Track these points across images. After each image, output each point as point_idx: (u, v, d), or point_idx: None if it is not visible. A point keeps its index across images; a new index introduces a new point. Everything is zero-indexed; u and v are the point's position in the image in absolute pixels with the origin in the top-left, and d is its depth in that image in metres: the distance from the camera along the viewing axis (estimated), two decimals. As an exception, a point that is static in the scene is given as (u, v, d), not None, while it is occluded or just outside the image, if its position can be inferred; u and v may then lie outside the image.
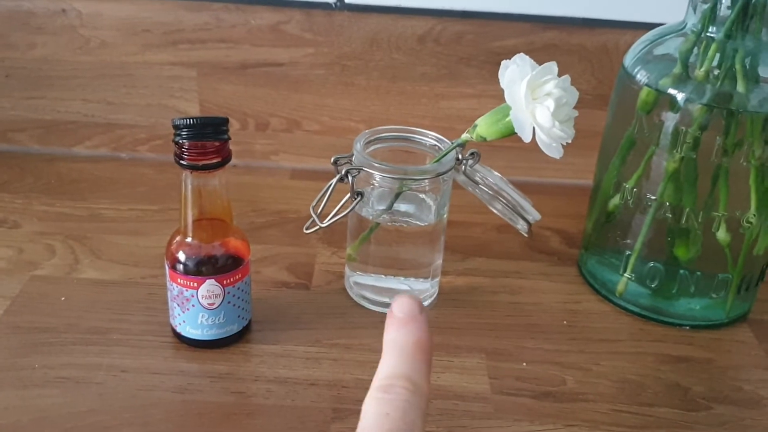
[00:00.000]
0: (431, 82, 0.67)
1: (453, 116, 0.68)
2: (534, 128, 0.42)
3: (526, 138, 0.42)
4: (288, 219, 0.62)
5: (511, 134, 0.44)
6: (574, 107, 0.45)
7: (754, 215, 0.48)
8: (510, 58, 0.45)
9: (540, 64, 0.44)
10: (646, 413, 0.45)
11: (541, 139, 0.42)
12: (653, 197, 0.50)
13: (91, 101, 0.68)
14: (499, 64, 0.45)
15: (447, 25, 0.65)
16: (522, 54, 0.44)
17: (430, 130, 0.51)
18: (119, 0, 0.64)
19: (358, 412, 0.43)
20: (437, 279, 0.54)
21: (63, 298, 0.51)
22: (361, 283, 0.52)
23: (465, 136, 0.47)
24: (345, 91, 0.67)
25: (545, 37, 0.65)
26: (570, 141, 0.43)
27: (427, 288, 0.53)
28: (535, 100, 0.42)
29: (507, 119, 0.43)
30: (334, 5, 0.64)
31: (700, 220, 0.49)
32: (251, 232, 0.59)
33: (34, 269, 0.53)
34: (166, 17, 0.65)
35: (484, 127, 0.46)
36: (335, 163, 0.49)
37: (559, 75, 0.44)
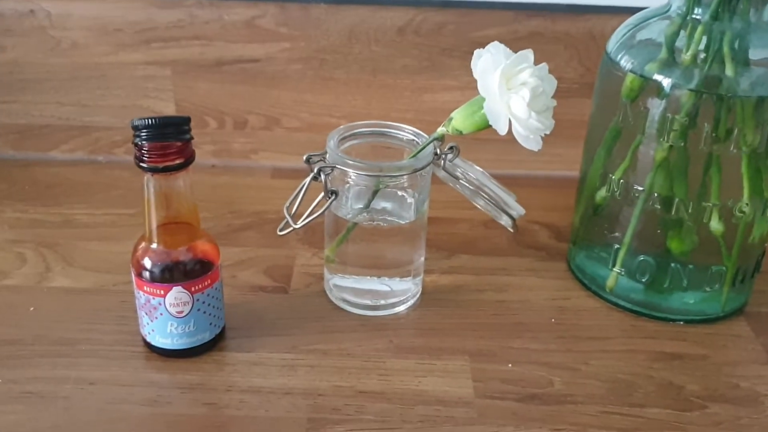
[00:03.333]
0: (413, 75, 0.65)
1: (437, 109, 0.66)
2: (510, 120, 0.40)
3: (502, 130, 0.40)
4: (267, 220, 0.60)
5: (487, 127, 0.42)
6: (555, 96, 0.43)
7: (747, 204, 0.46)
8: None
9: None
10: (637, 414, 0.43)
11: (518, 131, 0.40)
12: (641, 188, 0.48)
13: (65, 104, 0.67)
14: (483, 55, 0.43)
15: (427, 16, 0.63)
16: (496, 42, 0.41)
17: (413, 124, 0.49)
18: (89, -1, 0.63)
19: (334, 422, 0.41)
20: (420, 278, 0.52)
21: (32, 309, 0.49)
22: (341, 285, 0.51)
23: (441, 129, 0.45)
24: (324, 86, 0.65)
25: (529, 26, 0.63)
26: (548, 132, 0.41)
27: (409, 288, 0.51)
28: (509, 90, 0.40)
29: (482, 111, 0.41)
30: (310, -2, 0.62)
31: (690, 210, 0.47)
32: (228, 235, 0.58)
33: (3, 279, 0.52)
34: (137, 16, 0.63)
35: (460, 119, 0.44)
36: (308, 161, 0.47)
37: (544, 63, 0.42)
